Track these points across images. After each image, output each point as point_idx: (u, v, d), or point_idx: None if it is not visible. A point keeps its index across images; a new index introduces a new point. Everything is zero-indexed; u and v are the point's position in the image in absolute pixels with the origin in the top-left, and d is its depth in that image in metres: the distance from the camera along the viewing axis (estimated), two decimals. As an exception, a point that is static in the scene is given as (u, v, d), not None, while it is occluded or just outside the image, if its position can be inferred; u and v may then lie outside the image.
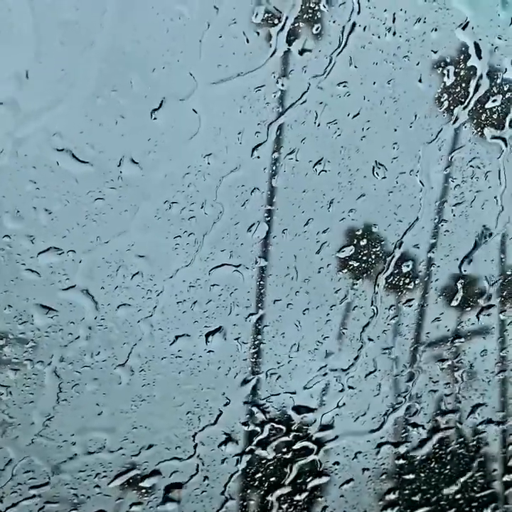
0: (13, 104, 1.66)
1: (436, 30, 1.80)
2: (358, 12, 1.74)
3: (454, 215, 2.10)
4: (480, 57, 1.86)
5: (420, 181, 2.03)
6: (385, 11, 1.75)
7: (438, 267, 2.17)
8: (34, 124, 1.68)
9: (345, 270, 2.09)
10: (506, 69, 1.87)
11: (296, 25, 1.74)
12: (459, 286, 2.20)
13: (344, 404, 2.24)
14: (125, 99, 1.71)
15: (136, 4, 1.63)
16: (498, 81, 1.90)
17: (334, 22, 1.75)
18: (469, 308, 2.24)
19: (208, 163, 1.85)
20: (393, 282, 2.16)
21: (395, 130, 1.93)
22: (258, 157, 1.86)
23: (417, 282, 2.18)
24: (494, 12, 1.81)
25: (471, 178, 2.06)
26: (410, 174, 2.00)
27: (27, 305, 1.85)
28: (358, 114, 1.88)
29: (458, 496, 2.46)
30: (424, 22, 1.80)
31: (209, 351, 2.05)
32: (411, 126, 1.94)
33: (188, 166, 1.84)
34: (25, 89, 1.64)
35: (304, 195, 1.96)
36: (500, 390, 2.38)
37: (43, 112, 1.67)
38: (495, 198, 2.09)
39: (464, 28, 1.81)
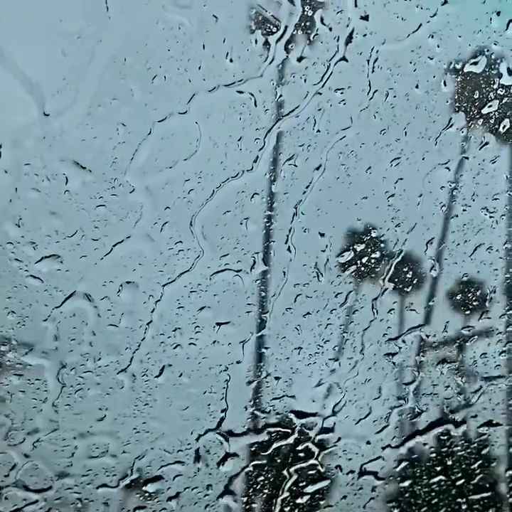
0: (15, 113, 1.68)
1: (432, 37, 1.82)
2: (356, 19, 1.75)
3: (453, 218, 2.11)
4: (476, 64, 1.87)
5: (420, 184, 2.04)
6: (383, 18, 1.77)
7: (439, 270, 2.18)
8: (36, 132, 1.70)
9: (346, 274, 2.10)
10: (502, 74, 1.89)
11: (294, 33, 1.75)
12: (461, 288, 2.21)
13: (345, 407, 2.25)
14: (126, 107, 1.73)
15: (136, 14, 1.64)
16: (495, 86, 1.92)
17: (331, 29, 1.76)
18: (469, 312, 2.25)
19: (208, 170, 1.87)
20: (393, 286, 2.17)
21: (393, 136, 1.94)
22: (258, 163, 1.88)
23: (417, 285, 2.19)
24: (488, 19, 1.82)
25: (469, 182, 2.07)
26: (408, 179, 2.02)
27: (30, 311, 1.87)
28: (356, 120, 1.90)
29: (460, 500, 2.46)
30: (421, 29, 1.82)
31: (210, 355, 2.07)
32: (406, 134, 1.95)
33: (189, 173, 1.86)
34: (27, 99, 1.66)
35: (304, 200, 1.97)
36: (504, 392, 2.39)
37: (45, 121, 1.69)
38: (493, 199, 2.10)
39: (460, 35, 1.83)
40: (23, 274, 1.82)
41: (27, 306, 1.86)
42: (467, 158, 2.02)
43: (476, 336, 2.28)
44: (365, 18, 1.74)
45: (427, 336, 2.25)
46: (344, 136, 1.90)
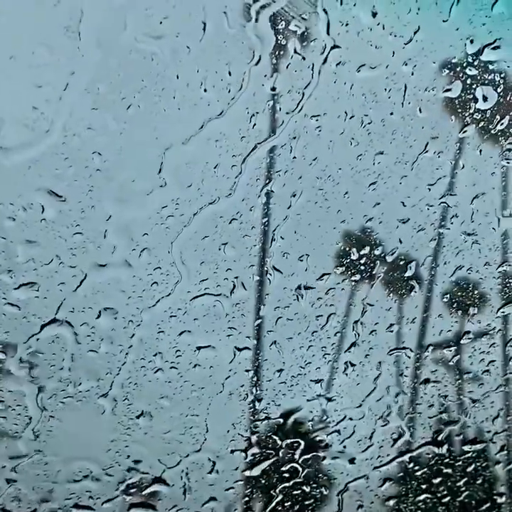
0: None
1: (406, 64, 1.82)
2: (330, 48, 1.76)
3: (432, 241, 2.12)
4: (450, 89, 1.88)
5: (398, 208, 2.05)
6: (357, 46, 1.77)
7: (419, 291, 2.19)
8: (10, 162, 1.70)
9: (326, 297, 2.10)
10: (477, 99, 1.89)
11: (268, 62, 1.76)
12: (442, 309, 2.22)
13: (329, 427, 2.25)
14: (101, 137, 1.73)
15: (109, 45, 1.65)
16: (471, 111, 1.92)
17: (304, 59, 1.77)
18: (450, 332, 2.26)
19: (186, 196, 1.87)
20: (374, 308, 2.17)
21: (370, 161, 1.94)
22: (235, 189, 1.88)
23: (398, 307, 2.20)
24: (463, 45, 1.83)
25: (447, 205, 2.08)
26: (386, 203, 2.02)
27: (8, 339, 1.87)
28: (332, 146, 1.90)
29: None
30: (395, 56, 1.82)
31: (192, 379, 2.07)
32: (382, 159, 1.96)
33: (166, 200, 1.86)
34: (1, 130, 1.66)
35: (281, 225, 1.97)
36: (488, 410, 2.39)
37: (19, 151, 1.69)
38: (472, 222, 2.11)
39: (434, 61, 1.84)
40: (1, 302, 1.82)
41: (5, 333, 1.86)
42: (444, 182, 2.03)
43: (459, 355, 2.29)
44: (337, 46, 1.74)
45: (409, 357, 2.25)
46: (321, 162, 1.91)
